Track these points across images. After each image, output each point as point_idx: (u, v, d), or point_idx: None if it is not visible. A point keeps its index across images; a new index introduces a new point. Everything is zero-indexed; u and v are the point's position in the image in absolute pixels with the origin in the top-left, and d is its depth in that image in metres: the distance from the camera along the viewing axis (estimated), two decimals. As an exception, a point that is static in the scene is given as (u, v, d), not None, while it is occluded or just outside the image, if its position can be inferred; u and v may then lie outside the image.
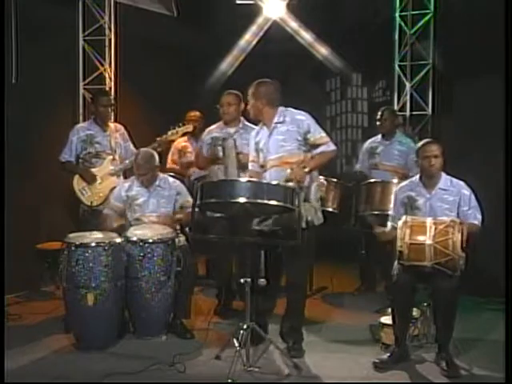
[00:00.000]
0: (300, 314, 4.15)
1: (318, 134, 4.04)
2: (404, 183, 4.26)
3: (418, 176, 4.16)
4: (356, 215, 5.08)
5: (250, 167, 4.22)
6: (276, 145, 4.01)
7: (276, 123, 4.05)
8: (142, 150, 4.70)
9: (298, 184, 3.80)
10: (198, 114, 5.91)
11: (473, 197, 4.00)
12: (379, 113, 5.47)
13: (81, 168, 5.10)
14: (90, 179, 5.02)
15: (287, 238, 3.80)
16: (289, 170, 3.92)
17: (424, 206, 4.04)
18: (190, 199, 4.60)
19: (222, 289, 4.91)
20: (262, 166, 4.06)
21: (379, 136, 5.52)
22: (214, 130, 4.94)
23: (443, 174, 4.07)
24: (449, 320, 3.78)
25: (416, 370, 3.82)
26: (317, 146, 4.03)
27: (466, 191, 4.01)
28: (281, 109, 4.10)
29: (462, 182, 4.05)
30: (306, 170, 3.92)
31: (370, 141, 5.63)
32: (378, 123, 5.48)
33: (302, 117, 4.05)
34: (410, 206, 4.08)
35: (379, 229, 4.17)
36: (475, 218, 3.97)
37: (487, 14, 5.35)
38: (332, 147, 4.09)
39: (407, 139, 5.50)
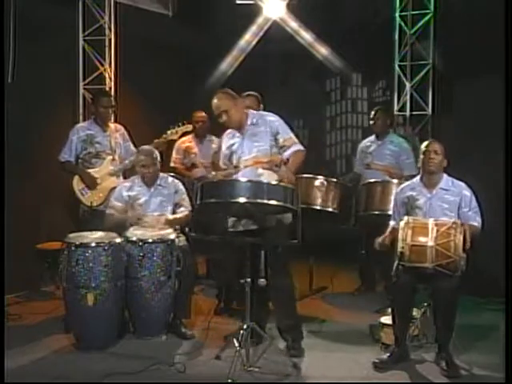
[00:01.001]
0: (293, 312, 4.17)
1: (287, 135, 4.11)
2: (405, 184, 4.28)
3: (419, 176, 4.17)
4: (356, 215, 5.09)
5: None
6: (250, 145, 4.07)
7: (249, 125, 4.11)
8: (143, 146, 4.71)
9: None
10: (204, 114, 5.90)
11: (474, 198, 4.01)
12: (372, 112, 5.54)
13: (80, 169, 5.10)
14: (90, 183, 5.02)
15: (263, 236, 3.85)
16: (260, 170, 3.99)
17: (424, 205, 4.04)
18: (186, 197, 4.64)
19: (222, 289, 4.91)
20: (236, 167, 4.09)
21: (373, 136, 5.57)
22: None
23: (445, 175, 4.08)
24: (449, 320, 3.78)
25: (416, 370, 3.82)
26: (286, 147, 4.09)
27: (467, 192, 4.01)
28: (251, 111, 4.18)
29: (463, 184, 4.05)
30: (292, 171, 4.00)
31: (364, 141, 5.72)
32: (371, 123, 5.53)
33: (273, 118, 4.14)
34: (410, 205, 4.09)
35: (379, 240, 4.17)
36: (475, 219, 3.98)
37: (487, 14, 5.35)
38: (301, 147, 4.14)
39: (399, 139, 5.54)
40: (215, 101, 4.07)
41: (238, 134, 4.16)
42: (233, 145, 4.17)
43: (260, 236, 3.87)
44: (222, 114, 4.05)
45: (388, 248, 4.03)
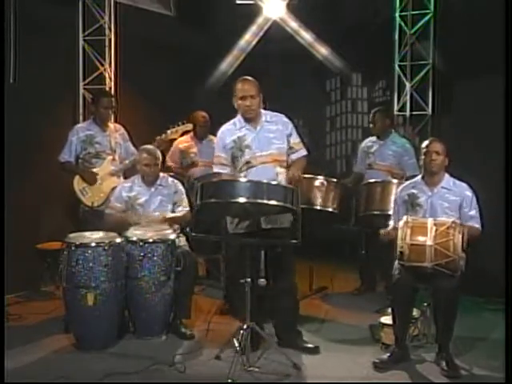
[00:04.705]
0: (296, 315, 4.22)
1: (297, 139, 4.20)
2: (407, 182, 4.29)
3: (420, 175, 4.17)
4: (356, 215, 5.09)
5: (218, 170, 4.12)
6: (267, 142, 4.06)
7: (264, 122, 4.11)
8: (146, 145, 4.71)
9: (296, 185, 3.83)
10: (205, 114, 5.90)
11: (475, 200, 4.01)
12: (371, 115, 5.56)
13: (80, 168, 5.10)
14: (91, 180, 5.02)
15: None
16: (278, 168, 4.01)
17: (425, 204, 4.04)
18: (185, 197, 4.65)
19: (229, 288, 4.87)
20: (247, 163, 4.05)
21: (375, 136, 5.56)
22: None
23: (446, 175, 4.09)
24: (449, 320, 3.78)
25: (416, 370, 3.82)
26: (294, 150, 4.17)
27: (469, 193, 4.01)
28: (262, 110, 4.16)
29: (465, 184, 4.05)
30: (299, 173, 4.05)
31: (366, 140, 5.71)
32: (370, 125, 5.54)
33: (287, 120, 4.19)
34: (410, 203, 4.09)
35: (383, 231, 4.17)
36: (476, 220, 3.98)
37: (487, 14, 5.35)
38: (306, 153, 4.23)
39: (402, 139, 5.54)
40: (245, 83, 4.03)
41: (248, 127, 4.08)
42: (242, 137, 4.06)
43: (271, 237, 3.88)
44: (248, 98, 4.01)
45: (392, 237, 3.99)
